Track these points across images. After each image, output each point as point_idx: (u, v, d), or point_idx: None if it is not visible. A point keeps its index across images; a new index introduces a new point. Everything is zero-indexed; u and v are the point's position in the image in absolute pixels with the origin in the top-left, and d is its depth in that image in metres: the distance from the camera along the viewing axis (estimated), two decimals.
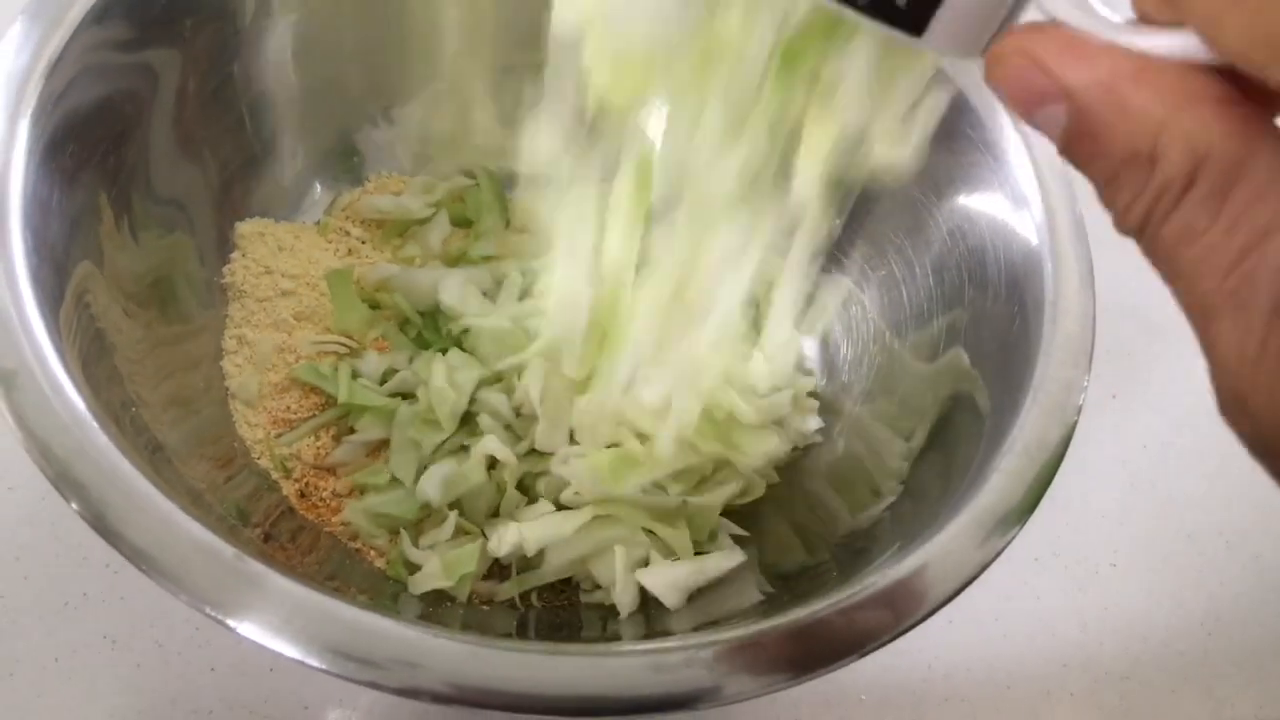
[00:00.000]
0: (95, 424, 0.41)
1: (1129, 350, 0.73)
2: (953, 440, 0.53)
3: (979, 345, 0.55)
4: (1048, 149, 0.54)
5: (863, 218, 0.64)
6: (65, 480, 0.39)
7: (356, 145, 0.66)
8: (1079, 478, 0.67)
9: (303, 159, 0.64)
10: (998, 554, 0.45)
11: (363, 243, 0.65)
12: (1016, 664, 0.60)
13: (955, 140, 0.58)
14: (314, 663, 0.37)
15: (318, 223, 0.65)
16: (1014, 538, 0.45)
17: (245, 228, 0.61)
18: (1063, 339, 0.50)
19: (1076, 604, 0.63)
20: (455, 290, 0.58)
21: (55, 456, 0.40)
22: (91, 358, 0.46)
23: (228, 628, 0.37)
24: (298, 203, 0.65)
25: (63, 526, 0.56)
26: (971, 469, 0.48)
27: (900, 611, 0.43)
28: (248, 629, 0.37)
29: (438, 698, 0.38)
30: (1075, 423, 0.48)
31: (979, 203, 0.57)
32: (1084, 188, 0.54)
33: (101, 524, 0.39)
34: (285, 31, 0.59)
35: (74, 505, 0.39)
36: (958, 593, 0.44)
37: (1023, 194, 0.55)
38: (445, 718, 0.55)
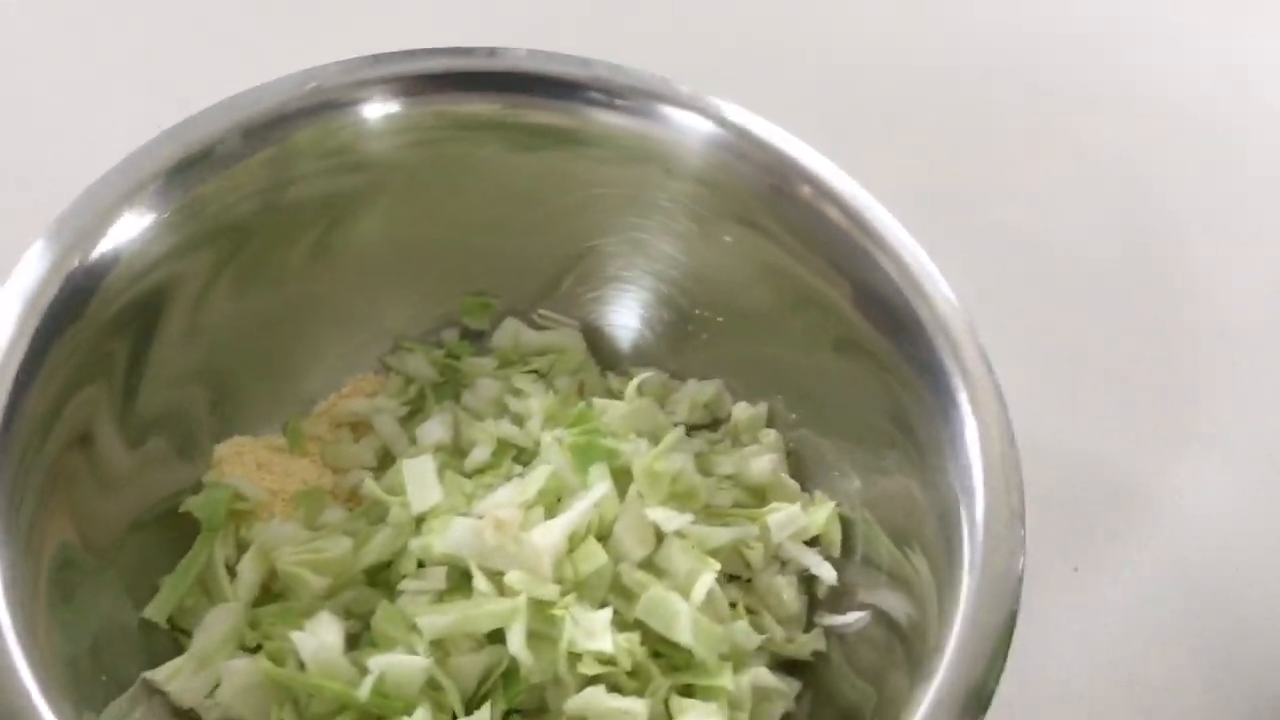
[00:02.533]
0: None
1: (1090, 522, 0.74)
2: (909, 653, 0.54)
3: (919, 550, 0.56)
4: (989, 385, 0.56)
5: (818, 410, 0.66)
6: None
7: (327, 359, 0.69)
8: (1039, 654, 0.68)
9: (277, 382, 0.67)
10: None
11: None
12: None
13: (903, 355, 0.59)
14: None
15: (284, 426, 0.68)
16: None
17: (224, 449, 0.64)
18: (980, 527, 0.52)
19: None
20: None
21: None
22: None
23: None
24: (271, 417, 0.68)
25: None
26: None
27: None
28: None
29: None
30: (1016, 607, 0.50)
31: (923, 419, 0.58)
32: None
33: None
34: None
35: None
36: None
37: (962, 424, 0.56)
38: None
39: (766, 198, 0.64)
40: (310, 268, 0.66)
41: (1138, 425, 0.77)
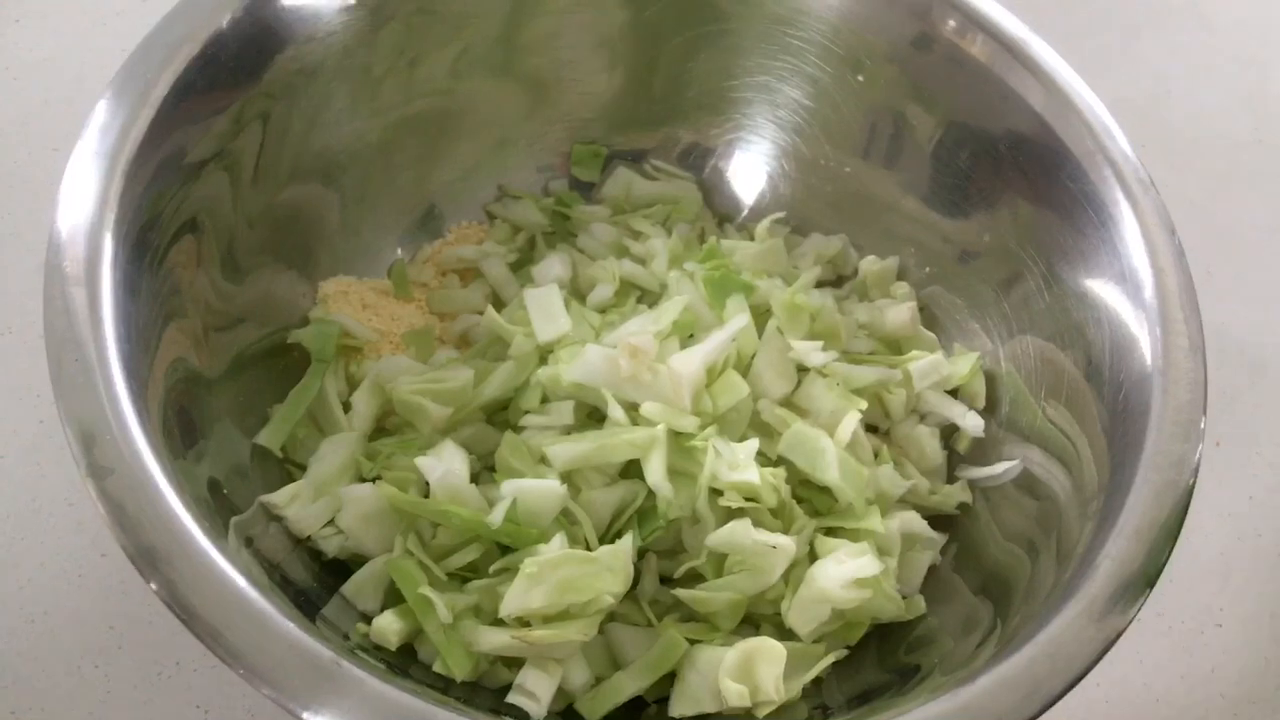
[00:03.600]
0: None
1: (1232, 393, 0.70)
2: (1059, 522, 0.51)
3: (1087, 407, 0.53)
4: (1155, 204, 0.53)
5: (953, 265, 0.63)
6: (145, 559, 0.40)
7: (434, 203, 0.66)
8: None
9: (382, 217, 0.64)
10: (1117, 636, 0.43)
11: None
12: None
13: (1055, 192, 0.56)
14: None
15: (389, 270, 0.64)
16: (1132, 620, 0.44)
17: (329, 287, 0.61)
18: (1173, 410, 0.48)
19: (1181, 666, 0.61)
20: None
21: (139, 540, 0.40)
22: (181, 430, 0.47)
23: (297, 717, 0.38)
24: (376, 260, 0.64)
25: (154, 595, 0.56)
26: (1079, 553, 0.47)
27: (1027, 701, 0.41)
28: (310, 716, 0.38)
29: None
30: (1188, 502, 0.46)
31: (1079, 261, 0.55)
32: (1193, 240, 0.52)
33: (184, 612, 0.39)
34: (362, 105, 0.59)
35: (152, 585, 0.40)
36: (1078, 680, 0.42)
37: (1128, 253, 0.53)
38: None
39: (909, 30, 0.60)
40: (447, 81, 0.62)
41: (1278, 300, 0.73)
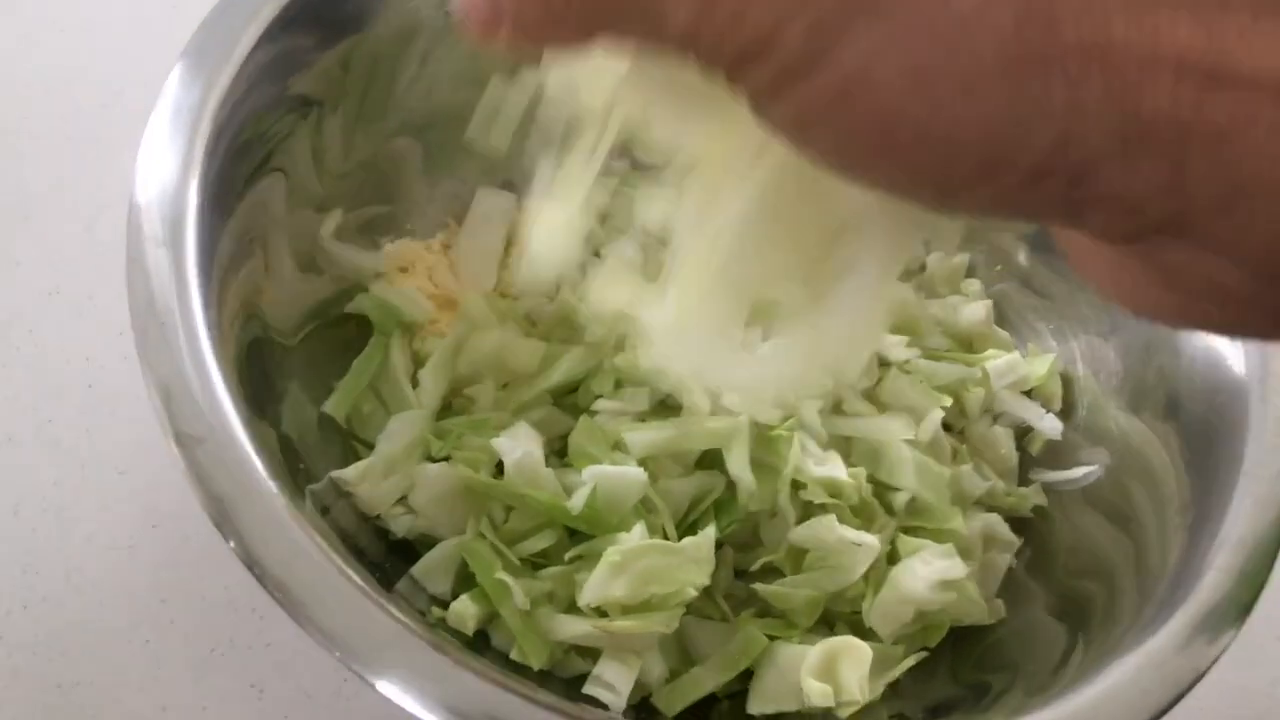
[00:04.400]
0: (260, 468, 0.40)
1: None
2: (1139, 533, 0.50)
3: (1162, 426, 0.52)
4: None
5: (1031, 271, 0.62)
6: (225, 522, 0.39)
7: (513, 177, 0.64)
8: None
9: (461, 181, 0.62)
10: (1214, 661, 0.42)
11: None
12: None
13: None
14: None
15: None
16: (1229, 643, 0.43)
17: (395, 251, 0.59)
18: (1274, 421, 0.48)
19: (1243, 681, 0.60)
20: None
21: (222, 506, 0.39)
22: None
23: (368, 684, 0.37)
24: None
25: (207, 568, 0.55)
26: (1168, 572, 0.46)
27: None
28: (386, 688, 0.37)
29: None
30: None
31: None
32: None
33: (258, 568, 0.39)
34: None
35: (231, 544, 0.39)
36: (1174, 703, 0.41)
37: None
38: None
39: None
40: None
41: None
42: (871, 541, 0.48)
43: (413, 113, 0.57)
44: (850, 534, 0.49)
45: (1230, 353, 0.50)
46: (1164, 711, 0.41)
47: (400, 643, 0.38)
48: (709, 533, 0.48)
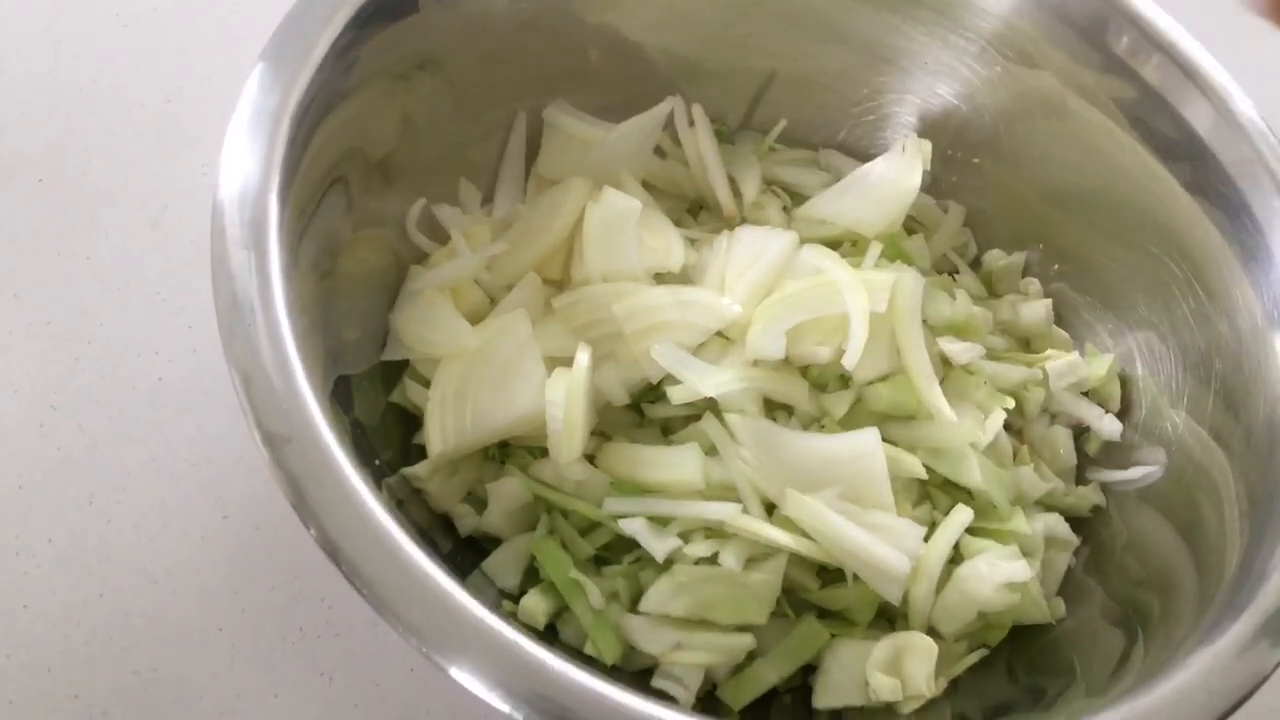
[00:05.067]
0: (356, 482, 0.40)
1: None
2: (1199, 537, 0.50)
3: (1221, 430, 0.52)
4: None
5: (1084, 266, 0.62)
6: (308, 512, 0.39)
7: None
8: None
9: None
10: (1278, 665, 0.43)
11: None
12: None
13: (1210, 198, 0.55)
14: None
15: None
16: None
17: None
18: None
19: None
20: None
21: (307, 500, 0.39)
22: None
23: (441, 670, 0.37)
24: None
25: (277, 558, 0.56)
26: (1228, 577, 0.46)
27: None
28: (460, 675, 0.37)
29: None
30: None
31: (1228, 270, 0.54)
32: None
33: (334, 552, 0.39)
34: None
35: (311, 531, 0.39)
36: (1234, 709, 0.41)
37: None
38: None
39: (1080, 40, 0.58)
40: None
41: None
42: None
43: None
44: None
45: None
46: (1227, 715, 0.41)
47: (478, 632, 0.38)
48: (778, 567, 0.49)
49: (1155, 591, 0.51)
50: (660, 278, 0.56)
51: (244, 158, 0.46)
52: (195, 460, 0.58)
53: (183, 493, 0.57)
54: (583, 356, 0.51)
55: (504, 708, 0.37)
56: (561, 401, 0.49)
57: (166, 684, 0.53)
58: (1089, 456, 0.59)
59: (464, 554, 0.52)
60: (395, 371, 0.55)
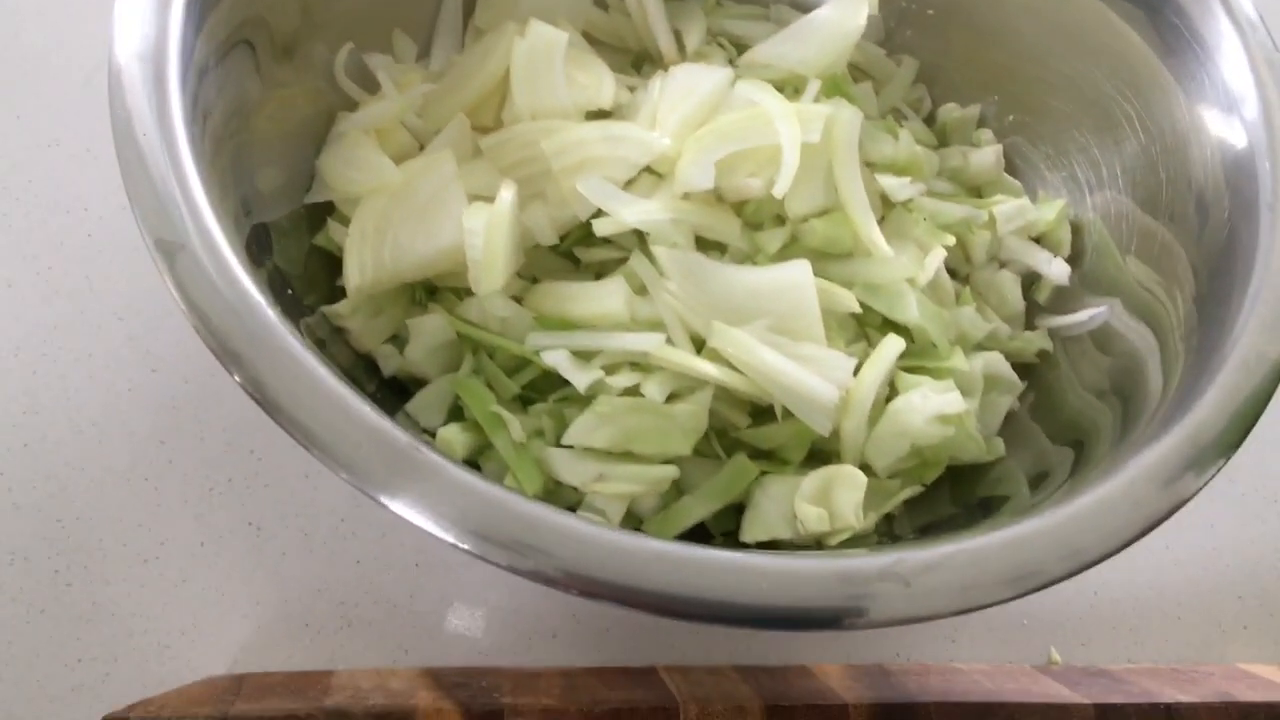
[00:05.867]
0: (256, 296, 0.39)
1: None
2: (1141, 379, 0.49)
3: (1178, 256, 0.51)
4: (1261, 39, 0.50)
5: (1039, 114, 0.60)
6: (227, 353, 0.37)
7: None
8: None
9: None
10: (1182, 503, 0.41)
11: None
12: (1187, 594, 0.57)
13: (1157, 30, 0.53)
14: (464, 545, 0.36)
15: None
16: (1201, 488, 0.41)
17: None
18: None
19: (1252, 534, 0.59)
20: None
21: (217, 329, 0.37)
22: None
23: (379, 503, 0.36)
24: None
25: (205, 411, 0.55)
26: (1160, 414, 0.45)
27: (1087, 548, 0.39)
28: (398, 507, 0.36)
29: (568, 586, 0.36)
30: None
31: (1181, 98, 0.52)
32: None
33: (262, 396, 0.37)
34: None
35: (236, 378, 0.37)
36: (1125, 545, 0.40)
37: (1233, 89, 0.50)
38: (591, 612, 0.54)
39: None
40: None
41: None
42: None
43: None
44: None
45: (1246, 182, 0.48)
46: (1138, 537, 0.40)
47: (404, 459, 0.37)
48: (703, 399, 0.47)
49: (1096, 431, 0.49)
50: (593, 117, 0.54)
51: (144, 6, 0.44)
52: (124, 314, 0.57)
53: (111, 345, 0.56)
54: (506, 190, 0.49)
55: (447, 538, 0.36)
56: (481, 230, 0.48)
57: (91, 532, 0.52)
58: (1040, 305, 0.57)
59: (388, 398, 0.51)
60: (322, 217, 0.53)
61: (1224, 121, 0.50)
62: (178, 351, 0.56)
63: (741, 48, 0.62)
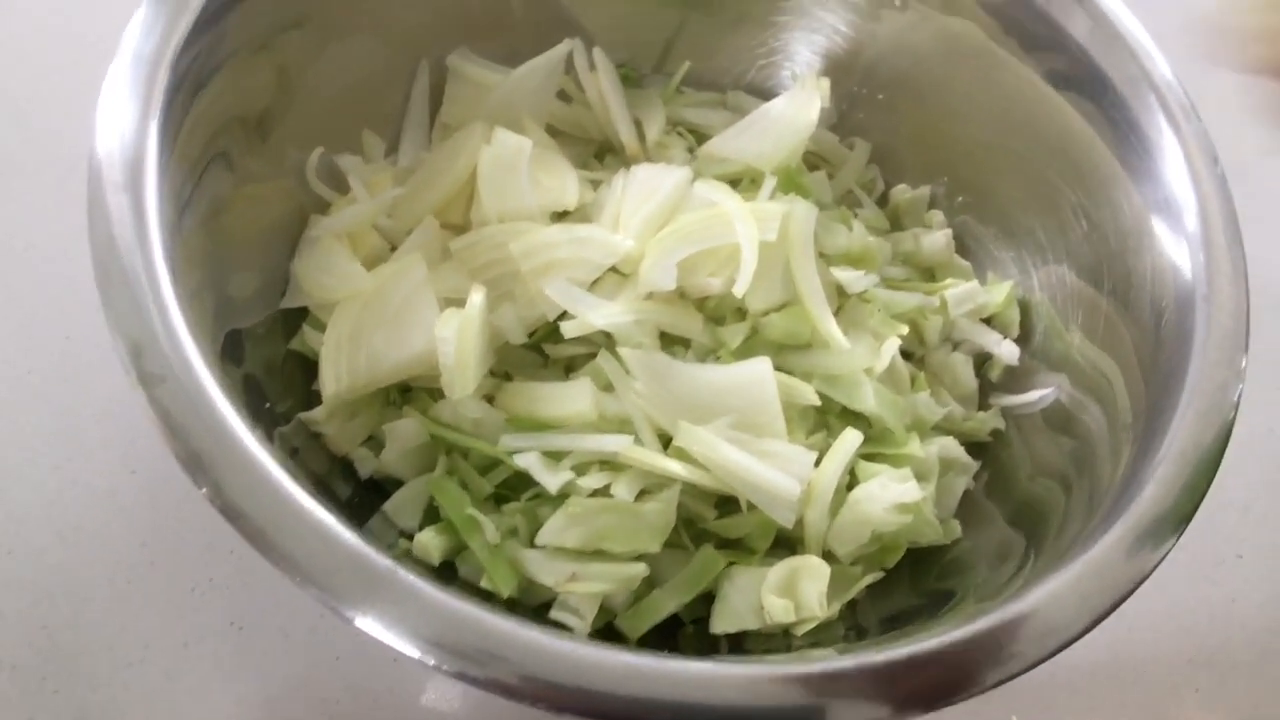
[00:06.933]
0: (239, 427, 0.40)
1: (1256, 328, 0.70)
2: (1092, 454, 0.51)
3: (1123, 338, 0.53)
4: (1199, 134, 0.53)
5: (987, 196, 0.62)
6: (194, 464, 0.39)
7: None
8: None
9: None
10: (1154, 567, 0.44)
11: None
12: (1142, 659, 0.59)
13: (1097, 120, 0.55)
14: (429, 661, 0.37)
15: None
16: (1169, 550, 0.44)
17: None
18: (1217, 337, 0.48)
19: (1203, 596, 0.61)
20: None
21: (190, 446, 0.40)
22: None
23: (346, 620, 0.37)
24: None
25: (186, 510, 0.56)
26: (1115, 487, 0.47)
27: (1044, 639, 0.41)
28: (366, 624, 0.38)
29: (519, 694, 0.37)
30: (1230, 432, 0.46)
31: (1121, 188, 0.54)
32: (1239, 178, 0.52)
33: (230, 510, 0.39)
34: None
35: (203, 490, 0.39)
36: (1102, 618, 0.42)
37: (1170, 181, 0.52)
38: None
39: None
40: None
41: None
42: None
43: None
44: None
45: (1179, 273, 0.51)
46: (1105, 615, 0.42)
47: (375, 578, 0.38)
48: (671, 497, 0.49)
49: (1050, 508, 0.52)
50: (558, 218, 0.56)
51: (123, 104, 0.45)
52: (102, 416, 0.58)
53: (90, 448, 0.57)
54: (475, 295, 0.51)
55: (412, 652, 0.37)
56: (452, 338, 0.49)
57: (76, 637, 0.53)
58: (993, 384, 0.60)
59: (366, 498, 0.52)
60: (297, 321, 0.55)
61: (1165, 212, 0.52)
62: (157, 453, 0.57)
63: (700, 136, 0.64)
